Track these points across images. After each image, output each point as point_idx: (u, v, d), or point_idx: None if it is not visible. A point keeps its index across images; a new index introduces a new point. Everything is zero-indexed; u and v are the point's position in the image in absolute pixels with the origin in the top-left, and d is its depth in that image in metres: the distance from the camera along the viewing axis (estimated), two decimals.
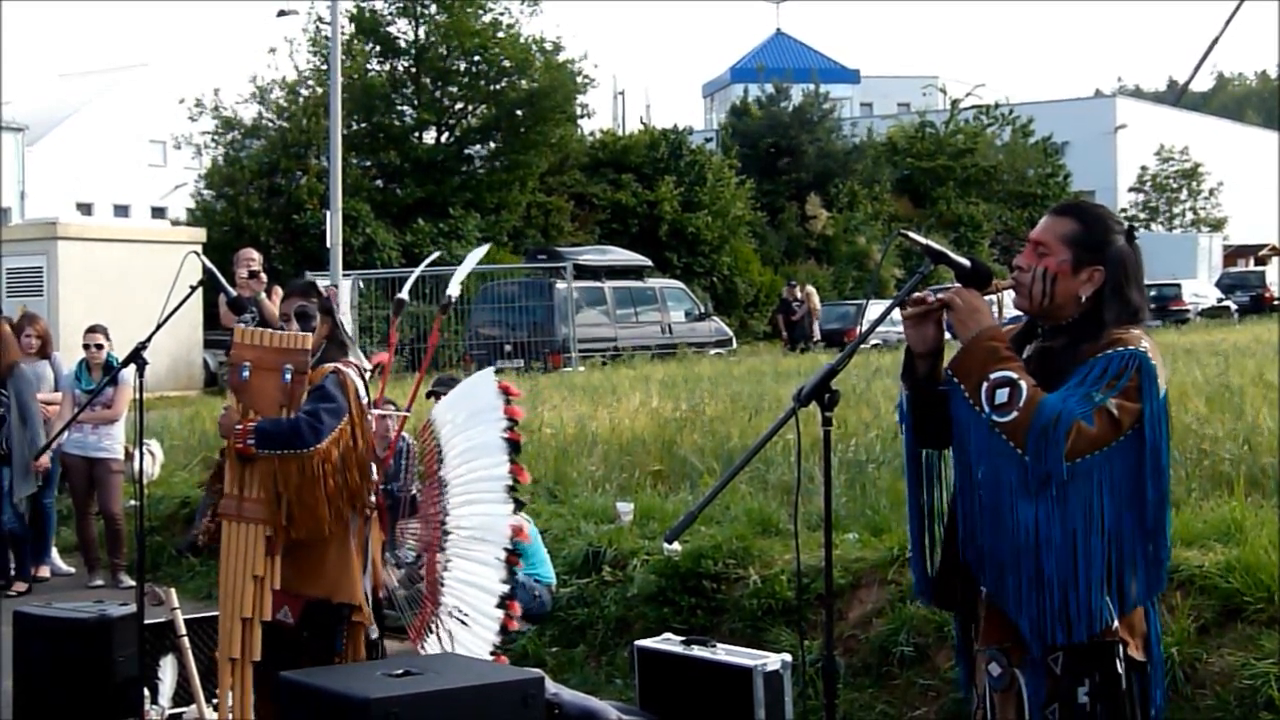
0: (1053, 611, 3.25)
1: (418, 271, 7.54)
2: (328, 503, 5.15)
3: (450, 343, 22.95)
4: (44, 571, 10.25)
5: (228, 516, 5.28)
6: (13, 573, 10.00)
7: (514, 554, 6.21)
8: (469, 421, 6.33)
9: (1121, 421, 3.27)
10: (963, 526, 3.41)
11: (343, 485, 5.19)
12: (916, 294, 3.45)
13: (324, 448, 5.14)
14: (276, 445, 5.13)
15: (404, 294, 6.97)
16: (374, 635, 5.51)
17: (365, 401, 5.40)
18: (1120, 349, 3.31)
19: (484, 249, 7.89)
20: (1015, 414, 3.26)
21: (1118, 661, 3.34)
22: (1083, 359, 3.34)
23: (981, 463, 3.32)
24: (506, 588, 6.17)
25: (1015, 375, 3.30)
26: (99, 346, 9.93)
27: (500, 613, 6.16)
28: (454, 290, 6.96)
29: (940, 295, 3.44)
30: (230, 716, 5.32)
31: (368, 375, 5.59)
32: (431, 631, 6.17)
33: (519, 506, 6.29)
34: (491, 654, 6.14)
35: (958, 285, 3.45)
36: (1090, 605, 3.26)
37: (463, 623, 6.17)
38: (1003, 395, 3.29)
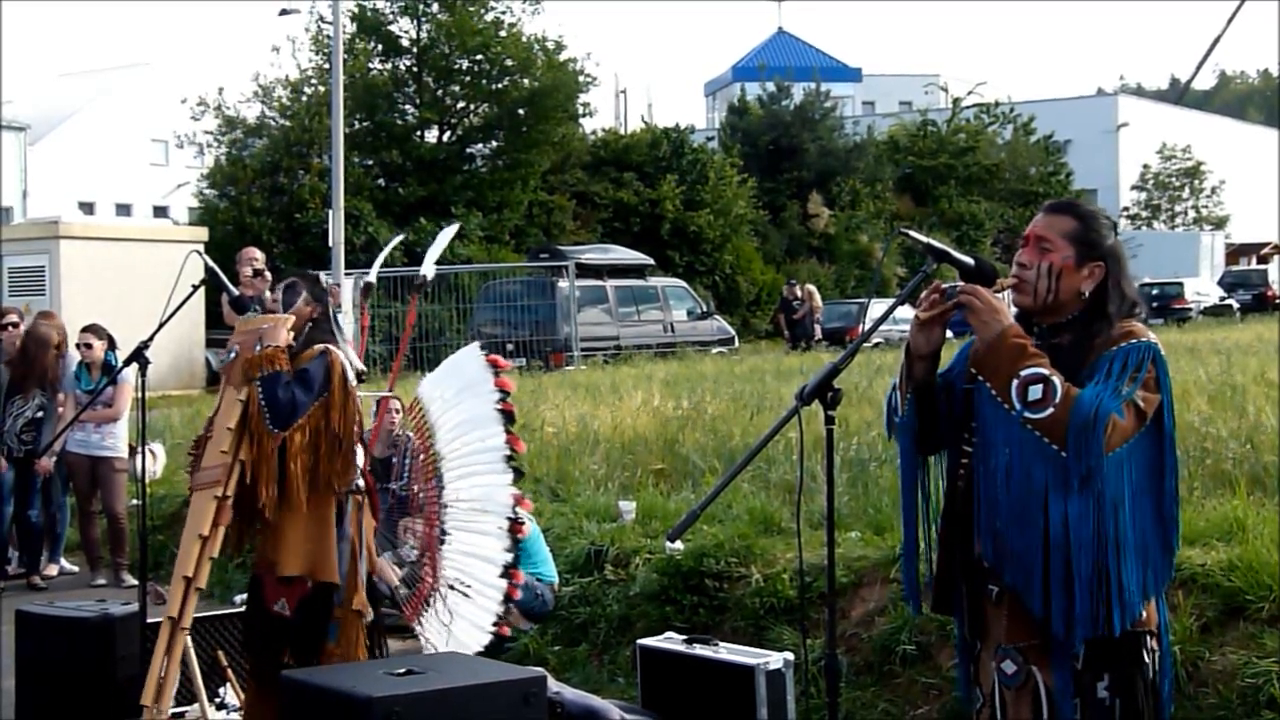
0: (1088, 607, 3.25)
1: (385, 251, 7.54)
2: (286, 482, 5.14)
3: (453, 342, 22.95)
4: (52, 570, 10.29)
5: (194, 488, 5.36)
6: (10, 568, 10.05)
7: (517, 523, 6.22)
8: (458, 396, 6.34)
9: (1146, 413, 3.30)
10: (983, 524, 3.39)
11: (312, 468, 5.18)
12: (931, 295, 3.44)
13: (287, 433, 5.14)
14: (267, 397, 5.12)
15: (372, 277, 6.98)
16: (368, 618, 5.50)
17: (353, 385, 5.38)
18: (1135, 341, 3.35)
19: (454, 228, 7.86)
20: (1051, 410, 3.25)
21: (1144, 652, 3.37)
22: (1096, 353, 3.36)
23: (1008, 459, 3.31)
24: (510, 556, 6.19)
25: (1047, 372, 3.30)
26: (89, 346, 9.94)
27: (504, 582, 6.17)
28: (428, 270, 6.94)
29: (957, 295, 3.43)
30: (155, 670, 5.28)
31: (358, 372, 5.57)
32: (429, 606, 6.17)
33: (518, 475, 6.29)
34: (495, 625, 6.14)
35: (968, 284, 3.45)
36: (1126, 597, 3.27)
37: (464, 594, 6.17)
38: (1036, 392, 3.28)
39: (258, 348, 5.20)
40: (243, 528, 5.37)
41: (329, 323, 5.46)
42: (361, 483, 5.51)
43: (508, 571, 6.17)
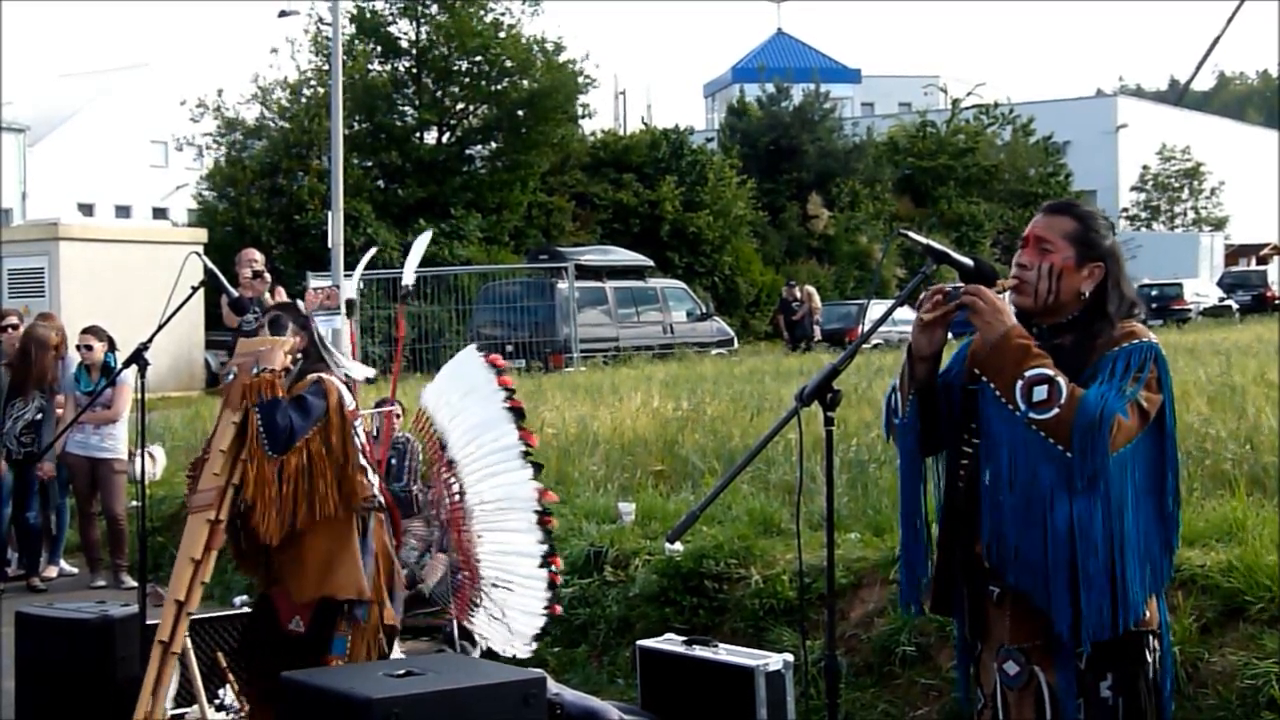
0: (1096, 608, 3.26)
1: (361, 264, 7.55)
2: (281, 505, 5.13)
3: (453, 343, 22.96)
4: (51, 571, 10.30)
5: (189, 510, 5.34)
6: (10, 570, 10.07)
7: (545, 514, 6.27)
8: (464, 400, 6.37)
9: (1149, 413, 3.31)
10: (987, 526, 3.39)
11: (308, 492, 5.15)
12: (934, 295, 3.44)
13: (285, 457, 5.12)
14: (265, 423, 5.11)
15: (352, 293, 7.01)
16: (397, 630, 5.49)
17: (351, 409, 5.36)
18: (1137, 341, 3.36)
19: (428, 235, 7.89)
20: (1056, 411, 3.26)
21: (1147, 651, 3.38)
22: (1098, 353, 3.36)
23: (1013, 461, 3.31)
24: (545, 546, 6.26)
25: (1051, 373, 3.30)
26: (89, 348, 9.94)
27: (545, 571, 6.25)
28: (408, 279, 6.99)
29: (960, 296, 3.43)
30: (151, 701, 5.24)
31: (355, 385, 5.57)
32: (478, 605, 6.22)
33: (538, 469, 6.33)
34: (545, 609, 6.20)
35: (971, 285, 3.45)
36: (1130, 598, 3.28)
37: (509, 590, 6.24)
38: (1041, 393, 3.28)
39: (255, 371, 5.17)
40: (254, 551, 5.32)
41: (316, 349, 5.44)
42: (382, 500, 5.50)
43: (546, 560, 6.25)
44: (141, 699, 5.22)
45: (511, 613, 6.22)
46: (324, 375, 5.32)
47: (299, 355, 5.36)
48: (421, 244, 7.22)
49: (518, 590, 6.24)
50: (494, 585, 6.24)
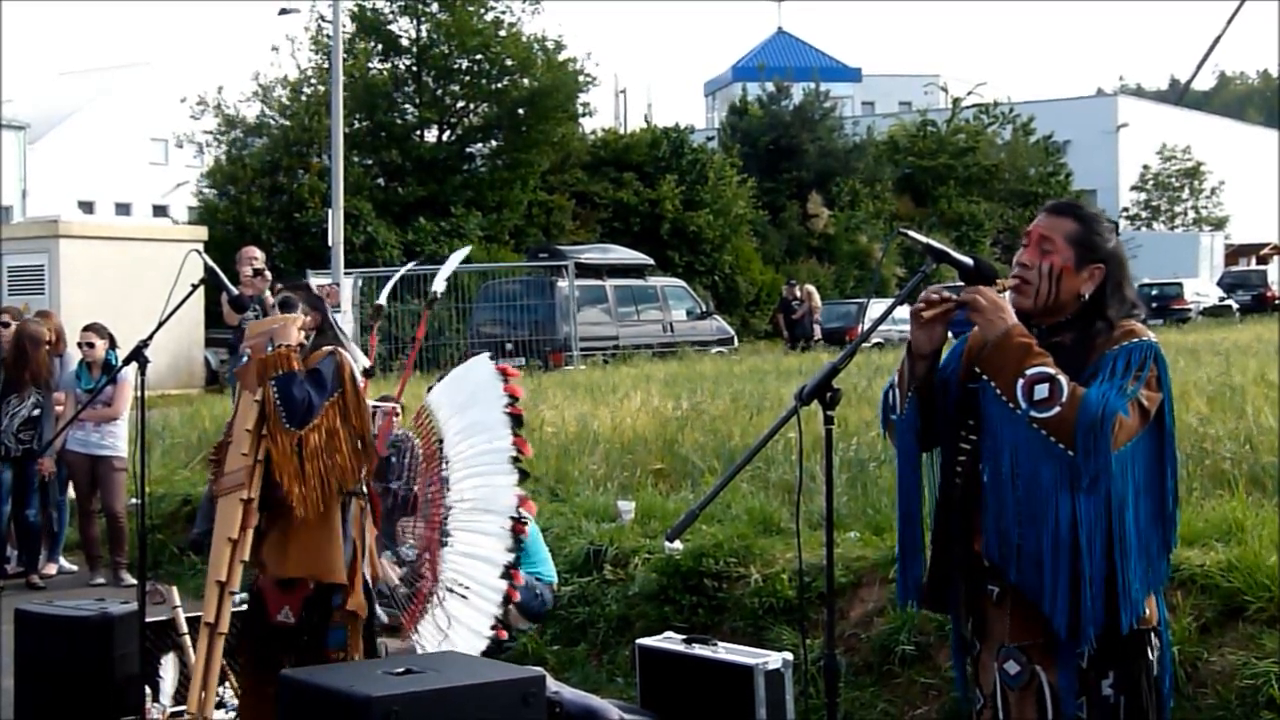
0: (1096, 606, 3.26)
1: (396, 276, 7.58)
2: (305, 481, 5.13)
3: (452, 341, 22.97)
4: (51, 569, 10.30)
5: (219, 493, 5.34)
6: (9, 567, 10.07)
7: (520, 523, 6.21)
8: (468, 401, 6.35)
9: (1149, 412, 3.31)
10: (990, 524, 3.39)
11: (331, 466, 5.18)
12: (935, 295, 3.44)
13: (305, 432, 5.14)
14: (282, 396, 5.11)
15: (382, 300, 7.02)
16: (383, 620, 5.48)
17: (363, 386, 5.38)
18: (1136, 340, 3.36)
19: (466, 250, 7.94)
20: (1058, 409, 3.26)
21: (1148, 649, 3.38)
22: (1098, 352, 3.36)
23: (1015, 459, 3.31)
24: (511, 556, 6.16)
25: (1053, 371, 3.30)
26: (91, 345, 9.94)
27: (504, 583, 6.15)
28: (439, 286, 7.01)
29: (960, 295, 3.43)
30: (198, 678, 5.26)
31: (366, 369, 5.59)
32: (426, 614, 6.16)
33: (524, 477, 6.29)
34: (493, 628, 6.13)
35: (973, 285, 3.45)
36: (1130, 596, 3.29)
37: (463, 597, 6.16)
38: (1042, 391, 3.28)
39: (269, 348, 5.19)
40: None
41: (330, 327, 5.47)
42: (364, 487, 5.50)
43: (508, 572, 6.16)
44: (193, 684, 5.25)
45: (458, 627, 6.11)
46: (337, 349, 5.34)
47: (311, 332, 5.38)
48: (459, 257, 7.26)
49: (471, 599, 6.14)
50: (449, 590, 6.16)
